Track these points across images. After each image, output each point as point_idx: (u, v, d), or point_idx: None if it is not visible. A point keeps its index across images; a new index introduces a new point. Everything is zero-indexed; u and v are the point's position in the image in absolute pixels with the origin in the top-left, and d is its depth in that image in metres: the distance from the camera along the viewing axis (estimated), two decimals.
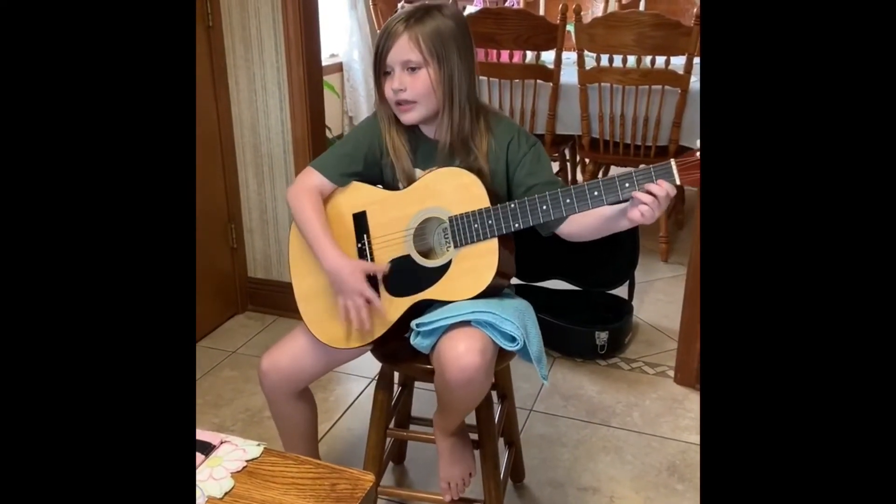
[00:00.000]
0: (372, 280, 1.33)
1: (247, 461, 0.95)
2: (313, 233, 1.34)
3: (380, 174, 1.42)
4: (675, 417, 1.99)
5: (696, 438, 1.90)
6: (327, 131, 2.57)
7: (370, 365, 1.50)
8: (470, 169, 1.31)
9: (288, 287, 1.44)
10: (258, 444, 0.98)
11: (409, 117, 1.32)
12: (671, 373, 2.18)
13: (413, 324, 1.29)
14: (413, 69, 1.28)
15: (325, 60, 3.30)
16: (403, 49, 1.27)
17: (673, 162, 1.16)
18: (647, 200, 1.16)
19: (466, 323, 1.24)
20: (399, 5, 3.48)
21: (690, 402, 2.05)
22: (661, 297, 2.67)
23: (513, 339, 1.25)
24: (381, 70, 1.32)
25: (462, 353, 1.21)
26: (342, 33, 4.36)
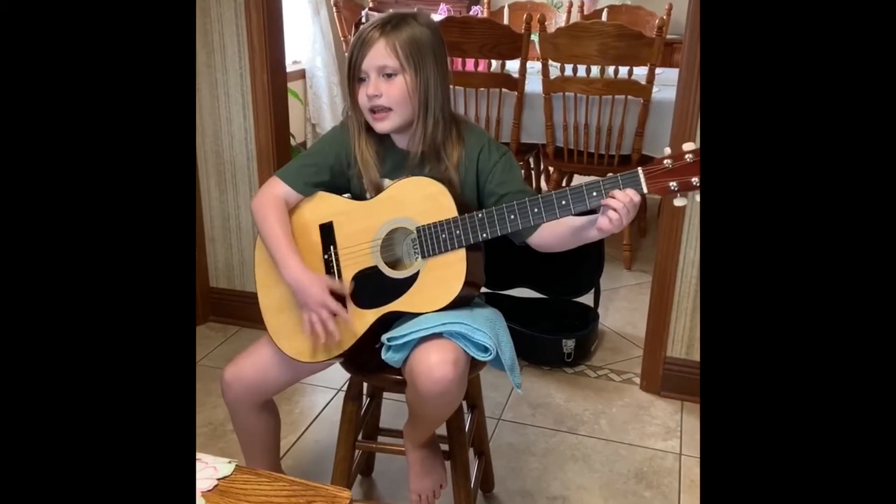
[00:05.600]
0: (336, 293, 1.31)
1: (218, 479, 0.92)
2: (275, 244, 1.31)
3: (347, 184, 1.40)
4: (642, 424, 2.00)
5: (663, 445, 1.92)
6: (291, 139, 2.53)
7: (336, 376, 1.48)
8: (439, 179, 1.29)
9: (251, 297, 1.41)
10: (229, 462, 0.94)
11: (383, 126, 1.31)
12: (637, 380, 2.19)
13: (384, 338, 1.27)
14: (389, 76, 1.27)
15: (288, 67, 3.26)
16: (380, 55, 1.26)
17: (640, 170, 1.17)
18: (616, 206, 1.16)
19: (438, 335, 1.23)
20: (363, 13, 3.47)
21: (656, 409, 2.07)
22: (625, 305, 2.70)
23: (485, 349, 1.24)
24: (354, 76, 1.30)
25: (434, 366, 1.20)
26: (305, 40, 4.33)
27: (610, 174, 1.21)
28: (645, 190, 1.16)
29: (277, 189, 1.35)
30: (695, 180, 1.14)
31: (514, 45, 2.83)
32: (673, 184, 1.15)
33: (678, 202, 1.17)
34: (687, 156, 1.14)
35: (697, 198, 1.15)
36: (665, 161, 1.15)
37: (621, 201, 1.15)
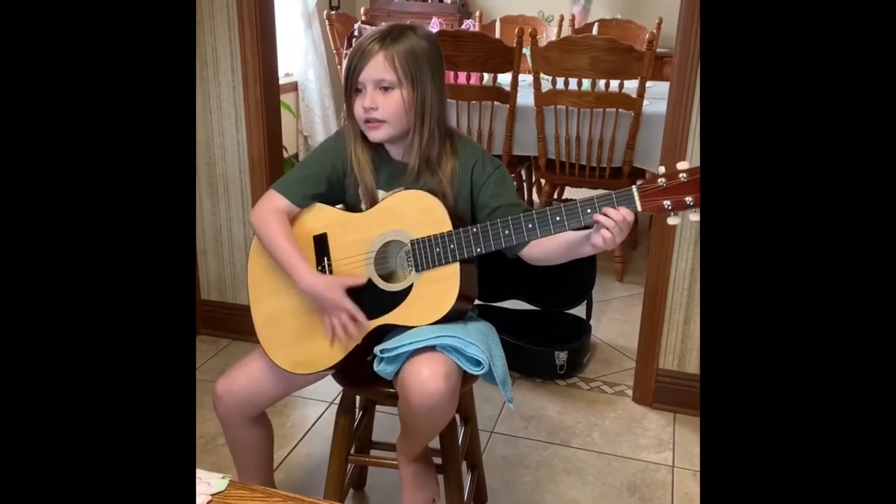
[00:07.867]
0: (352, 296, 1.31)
1: (212, 495, 0.91)
2: (284, 254, 1.31)
3: (342, 195, 1.40)
4: (635, 437, 2.00)
5: (656, 457, 1.92)
6: (283, 151, 2.54)
7: (328, 389, 1.48)
8: (433, 192, 1.30)
9: (243, 309, 1.41)
10: (223, 477, 0.94)
11: (376, 135, 1.31)
12: (629, 392, 2.20)
13: (377, 350, 1.27)
14: (386, 89, 1.27)
15: (280, 79, 3.27)
16: (378, 68, 1.26)
17: (635, 189, 1.17)
18: (608, 225, 1.16)
19: (431, 348, 1.23)
20: (355, 26, 3.48)
21: (649, 421, 2.07)
22: (617, 317, 2.71)
23: (478, 363, 1.24)
24: (352, 87, 1.30)
25: (426, 379, 1.19)
26: (297, 53, 4.34)
27: (604, 191, 1.21)
28: (639, 208, 1.17)
29: (276, 202, 1.35)
30: (689, 199, 1.14)
31: (505, 58, 2.84)
32: (667, 202, 1.15)
33: (672, 221, 1.17)
34: (681, 175, 1.14)
35: (691, 216, 1.15)
36: (659, 179, 1.15)
37: (615, 220, 1.16)
